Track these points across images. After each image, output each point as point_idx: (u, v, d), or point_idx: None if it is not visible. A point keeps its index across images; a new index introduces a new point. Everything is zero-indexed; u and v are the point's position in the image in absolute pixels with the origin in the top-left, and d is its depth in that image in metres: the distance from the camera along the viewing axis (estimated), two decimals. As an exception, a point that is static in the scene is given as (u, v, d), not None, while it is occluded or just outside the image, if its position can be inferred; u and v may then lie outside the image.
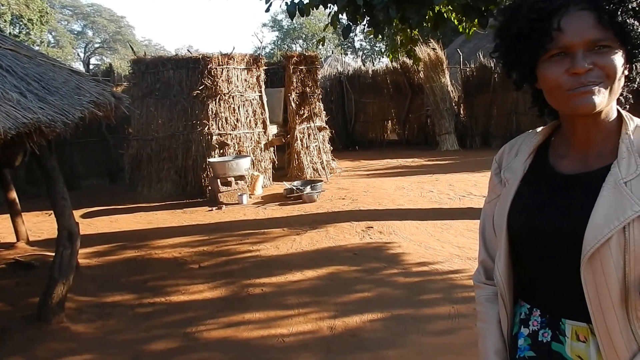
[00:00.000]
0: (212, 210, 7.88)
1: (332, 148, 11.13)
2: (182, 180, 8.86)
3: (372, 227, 6.27)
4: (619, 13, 0.99)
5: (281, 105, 10.04)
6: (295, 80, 9.85)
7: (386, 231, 6.13)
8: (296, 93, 9.88)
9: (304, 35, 40.85)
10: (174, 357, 3.60)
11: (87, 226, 7.31)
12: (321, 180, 9.00)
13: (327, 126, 10.64)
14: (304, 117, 9.98)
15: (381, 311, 4.10)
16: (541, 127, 1.23)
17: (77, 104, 3.61)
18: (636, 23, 1.01)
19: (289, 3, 3.86)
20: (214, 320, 4.15)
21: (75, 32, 42.92)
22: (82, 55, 42.02)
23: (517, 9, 1.08)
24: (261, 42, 10.88)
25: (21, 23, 25.56)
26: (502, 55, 1.14)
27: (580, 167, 1.10)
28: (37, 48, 28.90)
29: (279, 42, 42.28)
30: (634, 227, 0.97)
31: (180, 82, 8.77)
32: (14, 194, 6.04)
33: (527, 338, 1.17)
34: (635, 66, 1.06)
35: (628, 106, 1.12)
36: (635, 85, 1.10)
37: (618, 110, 1.10)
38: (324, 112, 10.85)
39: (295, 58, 9.84)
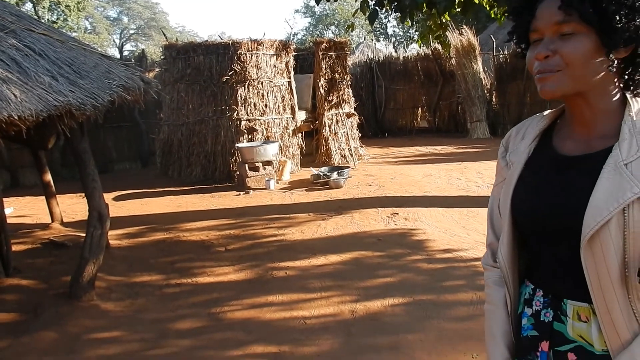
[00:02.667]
0: (239, 194, 7.98)
1: (360, 135, 11.11)
2: (211, 165, 9.00)
3: (397, 214, 6.27)
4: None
5: (310, 92, 10.05)
6: (324, 66, 9.83)
7: (411, 218, 6.12)
8: (325, 79, 9.87)
9: (336, 22, 40.57)
10: (198, 336, 3.69)
11: (119, 209, 7.51)
12: (348, 167, 9.00)
13: (355, 113, 10.61)
14: (333, 103, 9.98)
15: (403, 296, 4.11)
16: (548, 111, 1.23)
17: (106, 88, 3.70)
18: (610, 8, 0.98)
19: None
20: (237, 302, 4.23)
21: (111, 19, 43.66)
22: (117, 41, 42.77)
23: None
24: (292, 28, 10.84)
25: (59, 9, 26.11)
26: (511, 39, 1.18)
27: (583, 149, 1.10)
28: (74, 34, 29.64)
29: (311, 29, 42.14)
30: (633, 208, 0.97)
31: (210, 68, 8.88)
32: (49, 177, 6.24)
33: (530, 318, 1.18)
34: (611, 51, 1.02)
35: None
36: None
37: (623, 92, 1.09)
38: (353, 98, 10.82)
39: (324, 44, 9.82)
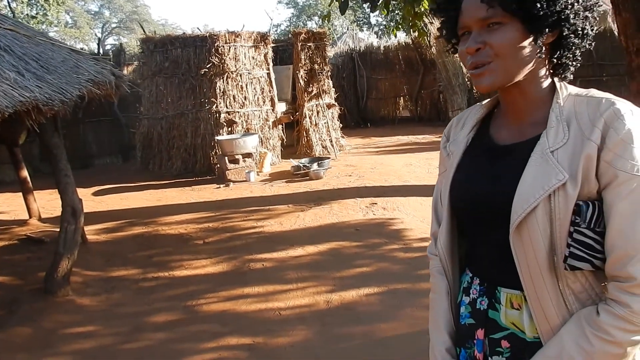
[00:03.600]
0: (219, 187, 7.97)
1: (342, 125, 11.11)
2: (191, 158, 8.97)
3: (376, 204, 6.31)
4: None
5: (289, 83, 10.03)
6: (303, 57, 9.81)
7: (390, 207, 6.16)
8: (304, 70, 9.85)
9: (319, 12, 40.36)
10: (173, 329, 3.71)
11: (99, 203, 7.48)
12: (329, 158, 9.02)
13: (336, 103, 10.61)
14: (313, 94, 9.97)
15: (378, 286, 4.16)
16: (486, 100, 1.25)
17: (75, 83, 3.67)
18: None
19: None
20: (214, 294, 4.25)
21: (93, 13, 43.00)
22: (100, 35, 42.23)
23: None
24: (271, 20, 10.79)
25: (38, 4, 25.69)
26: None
27: (516, 137, 1.12)
28: (55, 28, 29.17)
29: (294, 20, 41.89)
30: (559, 195, 0.99)
31: (188, 61, 8.82)
32: (25, 172, 6.19)
33: (468, 306, 1.21)
34: (537, 40, 1.04)
35: (571, 75, 1.11)
36: (570, 63, 1.09)
37: (553, 79, 1.11)
38: (334, 89, 10.81)
39: (303, 35, 9.79)
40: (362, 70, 14.52)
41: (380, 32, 32.84)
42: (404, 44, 14.30)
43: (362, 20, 37.05)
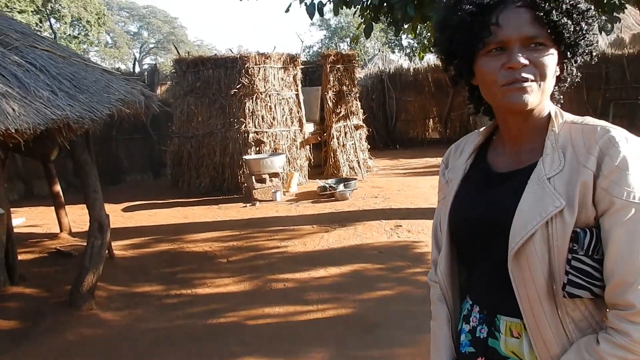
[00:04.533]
0: (246, 206, 8.05)
1: (371, 146, 11.13)
2: (219, 176, 9.09)
3: (401, 226, 6.26)
4: (553, 12, 1.01)
5: (318, 104, 10.12)
6: (332, 78, 9.90)
7: (415, 230, 6.11)
8: (333, 91, 9.93)
9: (351, 34, 40.74)
10: (193, 347, 3.73)
11: (127, 219, 7.63)
12: (355, 179, 9.02)
13: (364, 125, 10.64)
14: (341, 115, 10.02)
15: (399, 309, 4.11)
16: (483, 127, 1.25)
17: (105, 102, 3.79)
18: (569, 22, 1.02)
19: (308, 4, 3.93)
20: (234, 313, 4.26)
21: (132, 33, 44.41)
22: (137, 55, 43.49)
23: (459, 2, 1.08)
24: (302, 42, 10.98)
25: (80, 25, 26.63)
26: (441, 48, 1.15)
27: (514, 164, 1.12)
28: (95, 48, 30.18)
29: (326, 41, 42.36)
30: (556, 222, 0.98)
31: (219, 81, 9.00)
32: (58, 187, 6.37)
33: (468, 334, 1.19)
34: (567, 66, 1.07)
35: (559, 105, 1.12)
36: (567, 85, 1.11)
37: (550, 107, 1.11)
38: (362, 110, 10.86)
39: (332, 57, 9.89)
40: (392, 91, 14.56)
41: (411, 54, 32.90)
42: (433, 65, 14.30)
43: (393, 42, 37.20)
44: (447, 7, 1.13)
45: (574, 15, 1.03)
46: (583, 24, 1.04)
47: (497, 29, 1.02)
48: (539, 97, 1.04)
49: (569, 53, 1.05)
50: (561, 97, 1.14)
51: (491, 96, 1.08)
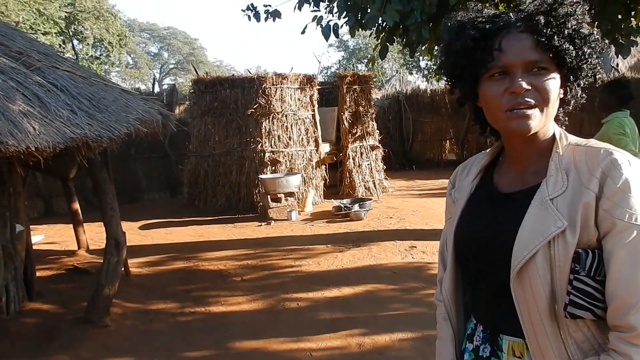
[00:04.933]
0: (261, 225, 8.08)
1: (387, 167, 11.13)
2: (235, 195, 9.16)
3: (415, 247, 6.23)
4: (555, 37, 1.02)
5: (334, 124, 10.18)
6: (348, 99, 9.98)
7: (429, 251, 6.08)
8: (349, 112, 10.00)
9: (368, 55, 41.04)
10: (205, 364, 3.74)
11: (144, 237, 7.70)
12: (370, 199, 9.02)
13: (380, 145, 10.66)
14: (357, 135, 10.07)
15: (412, 331, 4.07)
16: (490, 148, 1.26)
17: (124, 121, 3.87)
18: (571, 47, 1.04)
19: (323, 26, 4.00)
20: (247, 332, 4.26)
21: (152, 54, 45.25)
22: (157, 75, 44.26)
23: (462, 27, 1.11)
24: (319, 63, 11.11)
25: (102, 46, 27.25)
26: (446, 72, 1.17)
27: (518, 185, 1.13)
28: (116, 69, 30.83)
29: (344, 62, 42.71)
30: (558, 242, 0.99)
31: (236, 101, 9.12)
32: (76, 205, 6.47)
33: (471, 353, 1.20)
34: (570, 89, 1.09)
35: (564, 127, 1.14)
36: (570, 108, 1.13)
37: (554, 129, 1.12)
38: (379, 131, 10.90)
39: (348, 78, 9.98)
40: (408, 112, 14.59)
41: (429, 75, 32.96)
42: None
43: (411, 63, 37.34)
44: (451, 32, 1.15)
45: (576, 40, 1.04)
46: (585, 48, 1.05)
47: (500, 54, 1.04)
48: (543, 122, 1.06)
49: (572, 77, 1.06)
50: (566, 118, 1.15)
51: (495, 120, 1.10)
